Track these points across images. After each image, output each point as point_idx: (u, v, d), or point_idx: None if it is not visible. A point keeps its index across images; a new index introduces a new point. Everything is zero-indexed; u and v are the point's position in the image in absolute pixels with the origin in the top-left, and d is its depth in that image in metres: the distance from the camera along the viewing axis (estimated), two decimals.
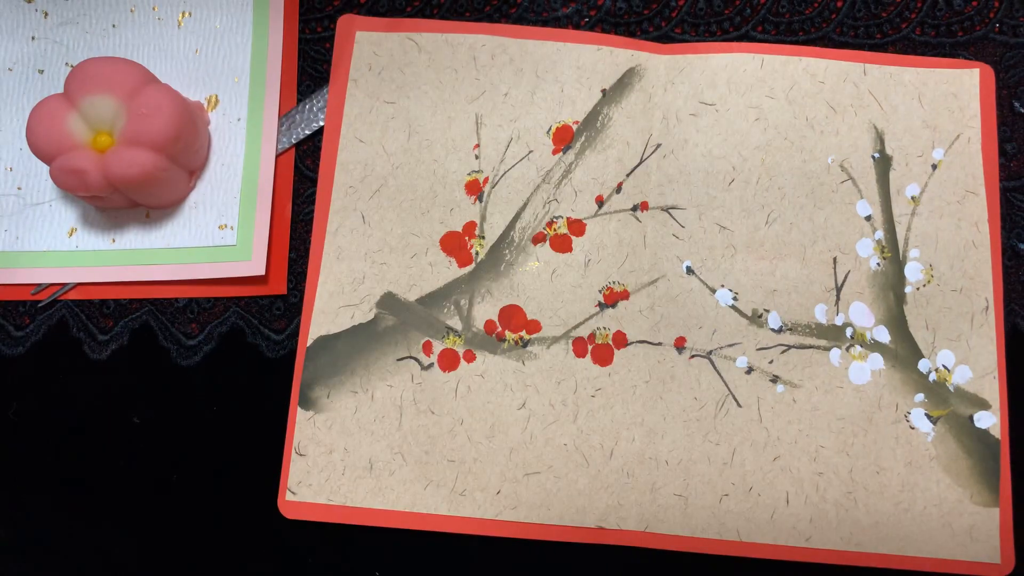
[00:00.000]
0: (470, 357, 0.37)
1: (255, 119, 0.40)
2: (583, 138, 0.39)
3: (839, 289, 0.37)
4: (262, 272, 0.38)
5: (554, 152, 0.39)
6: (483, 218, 0.38)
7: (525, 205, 0.39)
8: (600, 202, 0.38)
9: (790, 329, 0.37)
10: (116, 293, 0.39)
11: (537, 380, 0.37)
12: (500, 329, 0.37)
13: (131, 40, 0.41)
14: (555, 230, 0.38)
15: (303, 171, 0.40)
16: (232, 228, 0.39)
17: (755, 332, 0.37)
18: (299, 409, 0.37)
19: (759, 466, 0.36)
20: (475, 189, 0.39)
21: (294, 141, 0.40)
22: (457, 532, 0.35)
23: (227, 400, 0.38)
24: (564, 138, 0.39)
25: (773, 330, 0.37)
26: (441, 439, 0.36)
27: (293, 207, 0.40)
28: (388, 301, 0.38)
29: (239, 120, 0.40)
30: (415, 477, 0.36)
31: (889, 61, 0.40)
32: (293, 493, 0.36)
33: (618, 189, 0.39)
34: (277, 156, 0.40)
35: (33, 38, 0.41)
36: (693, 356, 0.37)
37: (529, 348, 0.37)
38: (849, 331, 0.37)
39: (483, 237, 0.38)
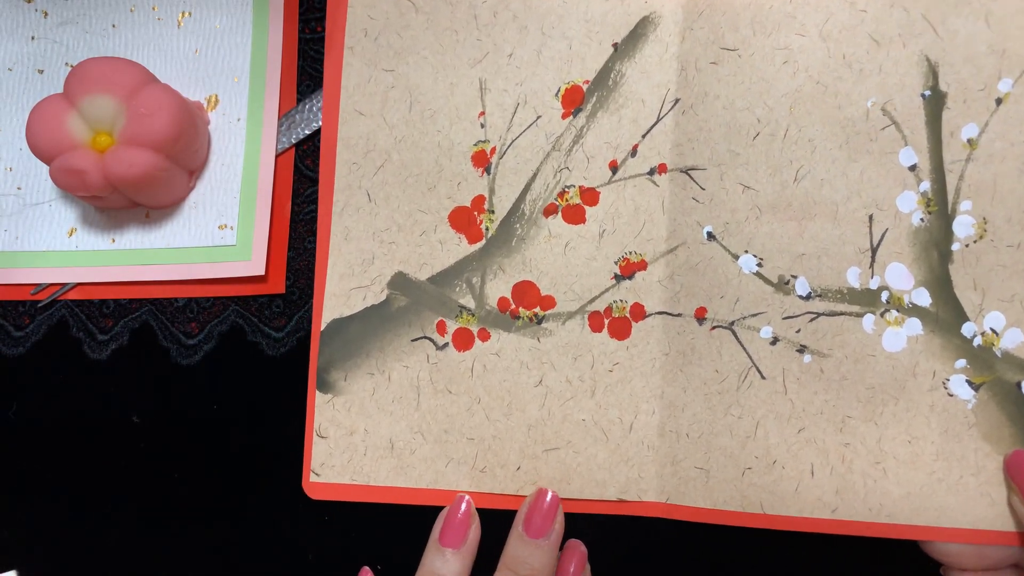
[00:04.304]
0: (484, 336, 0.37)
1: (255, 119, 0.39)
2: (594, 99, 0.36)
3: (875, 250, 0.35)
4: (262, 272, 0.38)
5: (564, 116, 0.37)
6: (492, 191, 0.37)
7: (535, 175, 0.37)
8: (614, 167, 0.36)
9: (819, 295, 0.35)
10: (116, 293, 0.39)
11: (553, 357, 0.36)
12: (514, 306, 0.37)
13: (131, 40, 0.41)
14: (567, 200, 0.37)
15: (303, 171, 0.39)
16: (232, 228, 0.39)
17: (781, 300, 0.35)
18: (317, 392, 0.37)
19: (783, 439, 0.35)
20: (482, 160, 0.37)
21: (294, 141, 0.39)
22: (479, 508, 0.36)
23: (228, 398, 0.38)
24: (574, 100, 0.37)
25: (801, 297, 0.35)
26: (459, 418, 0.36)
27: (293, 207, 0.39)
28: (399, 281, 0.37)
29: (239, 120, 0.40)
30: (436, 455, 0.36)
31: None
32: (317, 475, 0.37)
33: (633, 152, 0.36)
34: (277, 156, 0.39)
35: (33, 38, 0.41)
36: (715, 327, 0.35)
37: (544, 325, 0.36)
38: (885, 295, 0.35)
39: (492, 211, 0.37)
